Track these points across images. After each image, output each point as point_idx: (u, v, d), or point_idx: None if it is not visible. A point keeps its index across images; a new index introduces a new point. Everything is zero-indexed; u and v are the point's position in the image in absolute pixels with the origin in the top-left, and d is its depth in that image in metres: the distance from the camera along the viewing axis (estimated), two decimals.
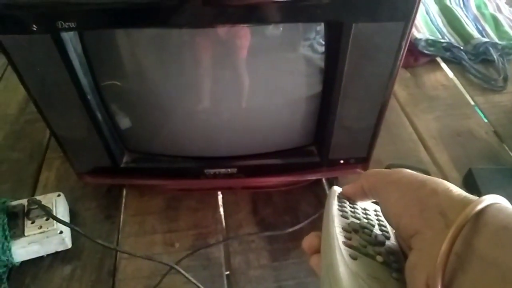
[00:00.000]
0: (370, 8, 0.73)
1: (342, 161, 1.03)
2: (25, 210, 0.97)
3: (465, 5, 1.85)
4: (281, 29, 0.81)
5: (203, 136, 1.00)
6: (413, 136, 1.33)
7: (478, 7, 1.85)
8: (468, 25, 1.69)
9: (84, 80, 0.81)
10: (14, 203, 0.99)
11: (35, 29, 0.72)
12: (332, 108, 0.89)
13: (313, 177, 1.11)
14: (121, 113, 0.93)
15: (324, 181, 1.18)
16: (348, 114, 0.91)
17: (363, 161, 1.04)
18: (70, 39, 0.75)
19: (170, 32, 0.80)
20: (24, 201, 0.99)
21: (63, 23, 0.71)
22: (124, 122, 0.95)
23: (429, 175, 1.12)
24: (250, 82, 0.88)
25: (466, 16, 1.78)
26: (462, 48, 1.61)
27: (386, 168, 1.11)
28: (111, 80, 0.87)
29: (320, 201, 1.12)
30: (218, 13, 0.73)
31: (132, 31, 0.79)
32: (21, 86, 0.82)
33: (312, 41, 0.83)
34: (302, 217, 1.07)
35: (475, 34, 1.64)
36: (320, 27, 0.80)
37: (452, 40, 1.65)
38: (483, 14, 1.80)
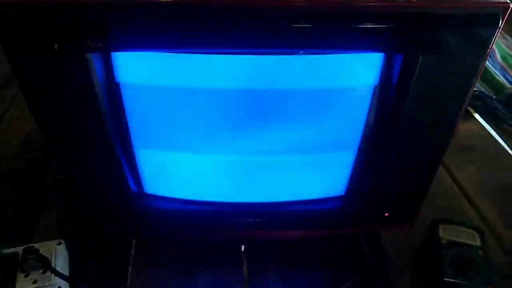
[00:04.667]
0: (443, 38, 0.63)
1: (387, 214, 0.90)
2: (20, 260, 0.82)
3: (491, 57, 1.80)
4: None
5: (232, 179, 0.87)
6: (454, 189, 1.20)
7: (503, 58, 1.80)
8: (497, 75, 1.63)
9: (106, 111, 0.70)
10: (7, 251, 0.85)
11: (56, 47, 0.62)
12: (383, 153, 0.78)
13: (354, 230, 0.98)
14: (146, 150, 0.81)
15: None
16: (401, 159, 0.80)
17: (412, 216, 0.92)
18: (98, 61, 0.65)
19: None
20: (19, 249, 0.84)
21: (90, 42, 0.61)
22: (147, 159, 0.83)
23: (482, 232, 1.01)
24: (292, 126, 0.77)
25: (493, 66, 1.73)
26: (494, 98, 1.53)
27: (432, 224, 1.00)
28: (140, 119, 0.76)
29: (359, 256, 0.97)
30: (267, 37, 0.63)
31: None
32: (23, 123, 0.70)
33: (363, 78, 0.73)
34: (340, 276, 0.92)
35: (506, 84, 1.58)
36: (376, 60, 0.70)
37: (483, 90, 1.58)
38: (509, 64, 1.75)
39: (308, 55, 0.68)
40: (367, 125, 0.77)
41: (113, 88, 0.70)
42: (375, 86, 0.72)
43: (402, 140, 0.77)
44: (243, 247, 1.00)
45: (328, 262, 0.98)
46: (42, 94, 0.67)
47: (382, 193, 0.86)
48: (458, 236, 0.94)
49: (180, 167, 0.85)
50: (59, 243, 0.90)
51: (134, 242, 1.00)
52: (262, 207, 0.91)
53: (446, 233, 0.95)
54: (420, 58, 0.65)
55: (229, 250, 0.99)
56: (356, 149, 0.81)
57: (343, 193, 0.89)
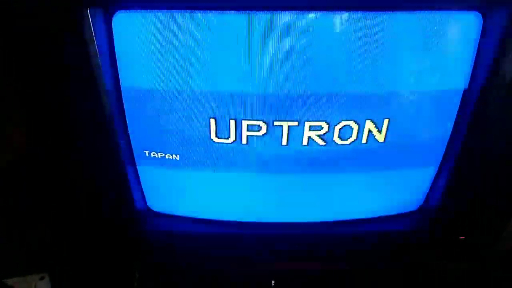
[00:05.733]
0: None
1: (462, 237, 0.71)
2: None
3: None
4: None
5: (272, 192, 0.68)
6: None
7: None
8: None
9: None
10: None
11: None
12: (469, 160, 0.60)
13: (418, 257, 0.78)
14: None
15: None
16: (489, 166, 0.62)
17: (491, 242, 0.73)
18: None
19: None
20: None
21: None
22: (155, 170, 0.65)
23: None
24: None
25: None
26: None
27: None
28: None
29: None
30: None
31: None
32: None
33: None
34: None
35: None
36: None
37: None
38: None
39: None
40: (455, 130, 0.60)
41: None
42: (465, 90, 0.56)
43: (490, 141, 0.60)
44: (273, 283, 0.79)
45: None
46: None
47: (461, 209, 0.67)
48: None
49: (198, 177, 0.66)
50: (42, 278, 0.70)
51: (137, 275, 0.79)
52: (305, 229, 0.72)
53: None
54: None
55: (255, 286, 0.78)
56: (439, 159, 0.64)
57: (414, 208, 0.70)
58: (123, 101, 0.59)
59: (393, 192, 0.70)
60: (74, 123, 0.61)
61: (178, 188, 0.68)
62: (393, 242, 0.73)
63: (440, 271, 0.76)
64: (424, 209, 0.71)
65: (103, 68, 0.54)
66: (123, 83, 0.57)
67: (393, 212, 0.72)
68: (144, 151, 0.63)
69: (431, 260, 0.75)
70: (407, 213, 0.72)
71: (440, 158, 0.66)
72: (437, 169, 0.67)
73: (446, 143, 0.64)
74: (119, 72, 0.56)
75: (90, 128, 0.61)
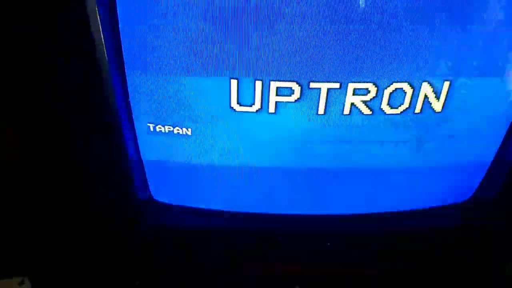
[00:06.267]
0: None
1: None
2: None
3: None
4: None
5: (298, 180, 0.57)
6: None
7: None
8: None
9: None
10: None
11: None
12: None
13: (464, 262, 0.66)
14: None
15: None
16: None
17: None
18: None
19: None
20: None
21: None
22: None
23: None
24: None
25: None
26: None
27: None
28: None
29: None
30: None
31: None
32: None
33: None
34: None
35: None
36: None
37: None
38: None
39: None
40: None
41: None
42: None
43: None
44: None
45: None
46: None
47: None
48: None
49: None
50: (21, 282, 0.58)
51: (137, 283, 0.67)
52: (334, 223, 0.60)
53: None
54: None
55: None
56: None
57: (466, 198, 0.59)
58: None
59: (443, 177, 0.59)
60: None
61: (190, 172, 0.57)
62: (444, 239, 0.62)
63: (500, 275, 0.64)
64: (478, 199, 0.60)
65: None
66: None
67: (439, 203, 0.61)
68: (148, 125, 0.52)
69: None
70: (457, 204, 0.61)
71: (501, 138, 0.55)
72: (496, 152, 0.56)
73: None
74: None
75: (81, 97, 0.50)
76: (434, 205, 0.61)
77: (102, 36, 0.46)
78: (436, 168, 0.58)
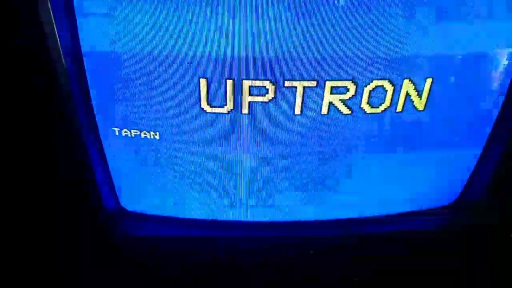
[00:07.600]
0: None
1: None
2: None
3: None
4: None
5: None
6: None
7: None
8: None
9: None
10: None
11: None
12: None
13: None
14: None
15: None
16: None
17: None
18: None
19: None
20: None
21: None
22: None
23: None
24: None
25: None
26: None
27: None
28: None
29: None
30: None
31: None
32: None
33: None
34: None
35: None
36: None
37: None
38: None
39: None
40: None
41: None
42: None
43: None
44: None
45: None
46: None
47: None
48: None
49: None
50: None
51: None
52: (318, 229, 0.57)
53: None
54: None
55: None
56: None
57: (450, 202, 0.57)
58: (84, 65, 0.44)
59: (428, 179, 0.56)
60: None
61: (160, 179, 0.53)
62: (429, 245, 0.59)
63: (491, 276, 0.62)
64: (463, 202, 0.58)
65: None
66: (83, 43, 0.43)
67: (424, 206, 0.58)
68: (113, 129, 0.48)
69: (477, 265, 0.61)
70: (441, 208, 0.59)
71: (486, 137, 0.53)
72: (481, 151, 0.54)
73: (495, 118, 0.51)
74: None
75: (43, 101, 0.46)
76: (417, 208, 0.58)
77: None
78: (420, 170, 0.55)
